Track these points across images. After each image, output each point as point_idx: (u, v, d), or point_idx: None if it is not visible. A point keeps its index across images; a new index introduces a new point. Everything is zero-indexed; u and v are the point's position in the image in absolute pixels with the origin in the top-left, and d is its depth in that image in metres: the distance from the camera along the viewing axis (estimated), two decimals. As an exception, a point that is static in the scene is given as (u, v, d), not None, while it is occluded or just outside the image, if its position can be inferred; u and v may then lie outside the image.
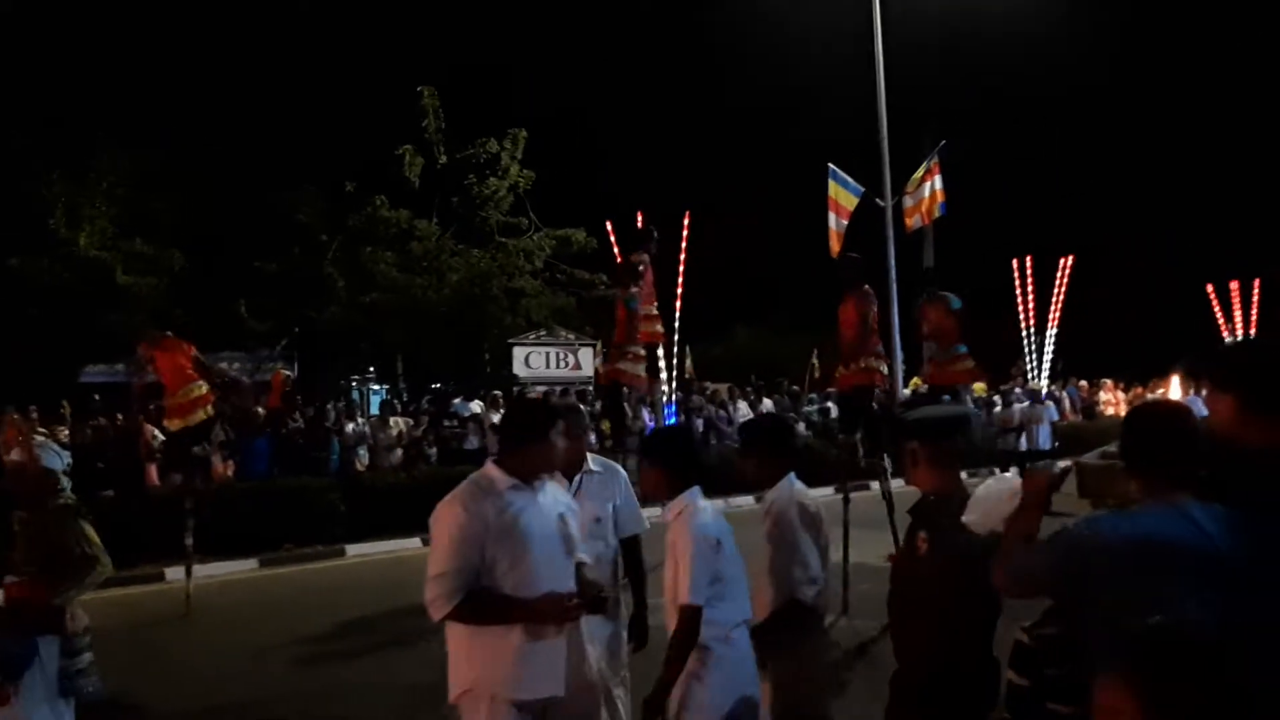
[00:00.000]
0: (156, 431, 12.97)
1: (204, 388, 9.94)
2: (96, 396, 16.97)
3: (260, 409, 15.03)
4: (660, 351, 15.44)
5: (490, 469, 3.60)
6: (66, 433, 13.91)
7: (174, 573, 11.03)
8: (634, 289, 10.41)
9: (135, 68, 24.36)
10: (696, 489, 3.85)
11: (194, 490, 10.52)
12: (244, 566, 11.57)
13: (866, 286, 9.23)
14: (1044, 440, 13.77)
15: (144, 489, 12.57)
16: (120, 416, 14.78)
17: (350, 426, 15.00)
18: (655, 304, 11.03)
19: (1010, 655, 3.18)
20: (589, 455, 4.55)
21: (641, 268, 10.60)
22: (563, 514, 3.66)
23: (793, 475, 4.17)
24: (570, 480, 4.33)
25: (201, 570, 11.27)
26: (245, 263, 21.59)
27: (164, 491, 12.32)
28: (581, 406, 4.69)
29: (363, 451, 14.68)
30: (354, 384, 24.10)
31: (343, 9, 33.10)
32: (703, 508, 3.78)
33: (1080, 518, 2.72)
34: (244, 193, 22.12)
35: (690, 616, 3.54)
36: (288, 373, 19.80)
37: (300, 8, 29.02)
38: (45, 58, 23.59)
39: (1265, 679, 2.39)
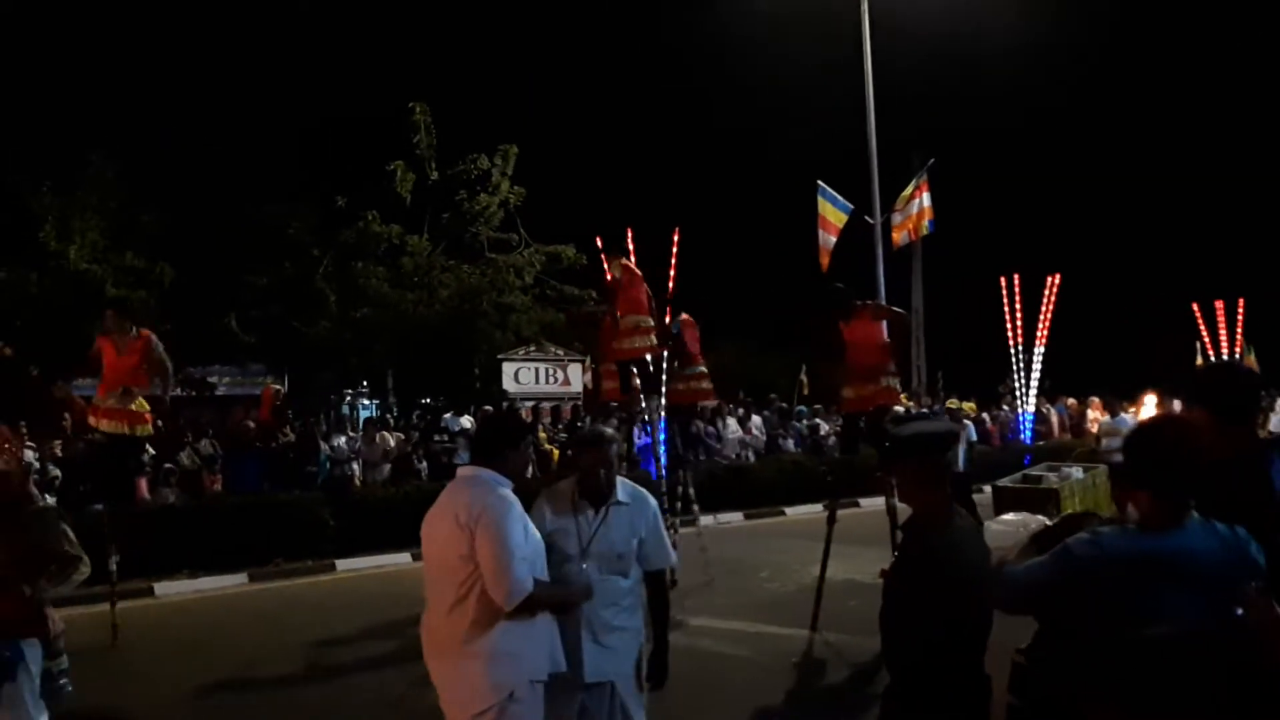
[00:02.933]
0: (149, 447, 12.99)
1: (144, 404, 9.19)
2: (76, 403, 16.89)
3: (250, 423, 15.02)
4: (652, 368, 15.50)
5: (488, 470, 3.84)
6: (59, 446, 13.88)
7: (164, 587, 11.03)
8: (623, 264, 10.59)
9: (126, 80, 24.44)
10: None
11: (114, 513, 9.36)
12: (234, 581, 11.56)
13: (870, 302, 9.17)
14: (961, 461, 13.82)
15: (135, 504, 12.55)
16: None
17: (341, 440, 15.01)
18: (648, 315, 10.95)
19: (1009, 677, 3.24)
20: (619, 484, 4.20)
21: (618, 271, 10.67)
22: None
23: None
24: (597, 510, 4.11)
25: (191, 584, 11.29)
26: (236, 276, 21.58)
27: (156, 506, 12.34)
28: (612, 433, 4.43)
29: (356, 466, 14.70)
30: (345, 398, 24.08)
31: (336, 25, 33.20)
32: None
33: (1081, 534, 2.79)
34: (235, 206, 22.15)
35: None
36: (278, 386, 19.78)
37: (293, 23, 29.09)
38: (36, 70, 23.64)
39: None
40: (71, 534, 4.84)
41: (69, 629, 5.22)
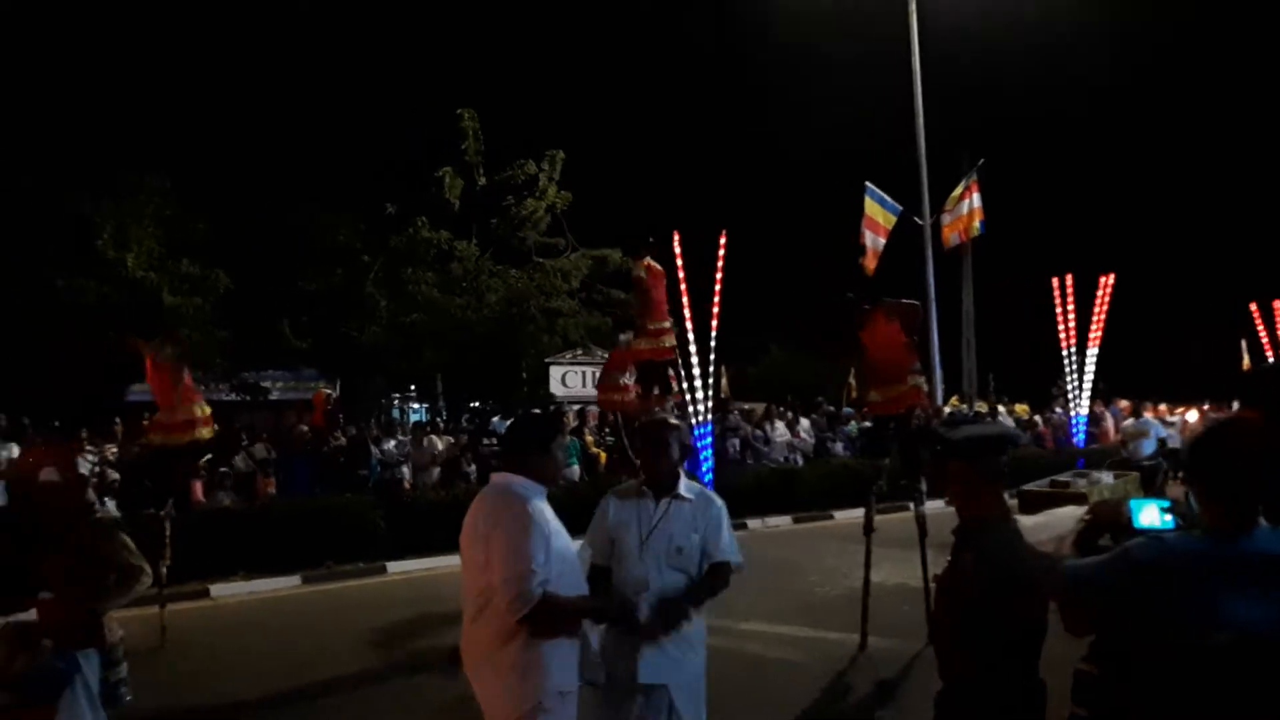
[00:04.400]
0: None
1: (206, 409, 9.58)
2: (146, 415, 17.20)
3: (303, 427, 15.22)
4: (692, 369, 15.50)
5: (516, 477, 3.75)
6: (114, 450, 14.14)
7: (219, 589, 11.19)
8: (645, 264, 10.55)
9: (180, 88, 24.93)
10: None
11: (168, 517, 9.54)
12: (288, 583, 11.70)
13: (882, 301, 8.93)
14: None
15: (190, 507, 12.76)
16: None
17: (391, 444, 15.15)
18: (664, 318, 10.87)
19: (1072, 687, 3.18)
20: (684, 481, 4.12)
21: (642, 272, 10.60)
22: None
23: None
24: (658, 501, 4.06)
25: (246, 586, 11.45)
26: (288, 283, 21.89)
27: (210, 509, 12.54)
28: (675, 421, 4.25)
29: (405, 470, 14.84)
30: (394, 402, 24.30)
31: (386, 34, 33.57)
32: None
33: (1141, 538, 2.73)
34: (287, 213, 22.48)
35: None
36: (329, 391, 20.00)
37: (344, 32, 29.48)
38: (95, 78, 24.20)
39: None
40: (131, 544, 4.88)
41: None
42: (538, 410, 15.07)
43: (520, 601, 3.45)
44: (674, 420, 4.25)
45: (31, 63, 23.69)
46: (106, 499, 12.97)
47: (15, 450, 13.17)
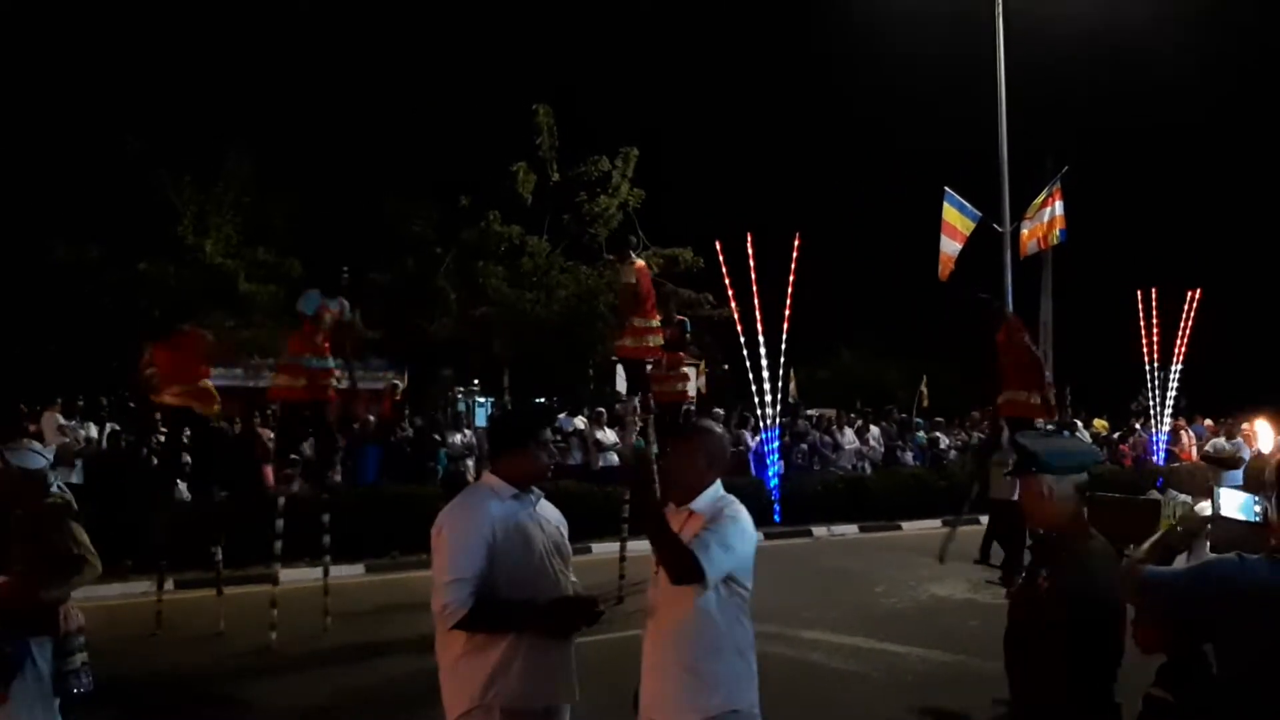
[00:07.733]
0: (270, 434, 13.41)
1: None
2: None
3: (371, 417, 15.36)
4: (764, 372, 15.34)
5: (489, 478, 3.65)
6: (187, 434, 14.35)
7: (288, 574, 11.29)
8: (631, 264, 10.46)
9: (260, 78, 25.46)
10: None
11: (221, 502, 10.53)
12: (351, 571, 11.80)
13: (1013, 317, 9.05)
14: None
15: (261, 491, 12.93)
16: (237, 420, 15.24)
17: (458, 437, 15.23)
18: (655, 317, 10.73)
19: (1140, 713, 3.05)
20: (709, 494, 3.45)
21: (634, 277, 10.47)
22: (557, 525, 3.69)
23: None
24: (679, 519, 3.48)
25: (311, 573, 11.55)
26: (360, 272, 22.12)
27: (280, 493, 12.67)
28: (712, 426, 3.75)
29: (470, 462, 14.91)
30: (460, 395, 24.45)
31: (462, 27, 33.92)
32: None
33: (1228, 556, 2.64)
34: (360, 204, 22.76)
35: None
36: (398, 382, 20.17)
37: (422, 25, 29.81)
38: (175, 65, 24.85)
39: None
40: (82, 534, 4.77)
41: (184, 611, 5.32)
42: (528, 405, 14.95)
43: (448, 611, 3.32)
44: (704, 425, 3.81)
45: (124, 48, 24.42)
46: (180, 481, 13.21)
47: (94, 429, 13.48)
